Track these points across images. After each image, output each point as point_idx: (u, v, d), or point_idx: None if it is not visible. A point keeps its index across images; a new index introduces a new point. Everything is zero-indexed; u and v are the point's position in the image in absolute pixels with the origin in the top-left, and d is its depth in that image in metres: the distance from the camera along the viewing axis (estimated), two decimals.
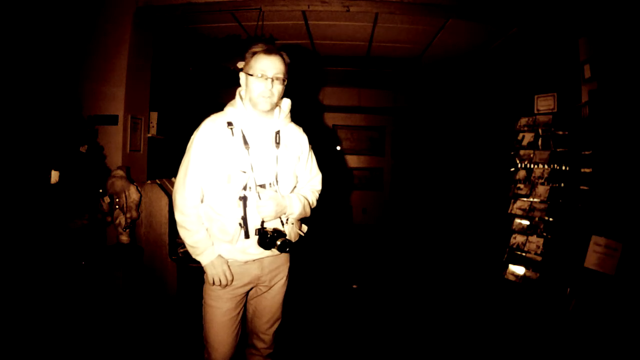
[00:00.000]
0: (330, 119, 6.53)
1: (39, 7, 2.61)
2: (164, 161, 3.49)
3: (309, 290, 3.46)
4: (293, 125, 1.59)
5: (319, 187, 1.69)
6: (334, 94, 6.38)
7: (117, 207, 2.71)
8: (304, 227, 1.65)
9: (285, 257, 1.61)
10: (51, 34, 2.74)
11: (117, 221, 2.75)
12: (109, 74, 3.05)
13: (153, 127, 3.54)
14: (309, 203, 1.59)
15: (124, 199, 2.69)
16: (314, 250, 4.19)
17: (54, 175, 2.36)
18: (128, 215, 2.71)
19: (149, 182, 2.83)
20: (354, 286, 3.69)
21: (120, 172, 2.77)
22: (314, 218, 1.68)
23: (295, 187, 1.58)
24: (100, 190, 2.69)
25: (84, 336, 2.26)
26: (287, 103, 1.54)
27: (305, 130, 1.65)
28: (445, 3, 3.01)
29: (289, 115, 1.55)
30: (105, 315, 2.48)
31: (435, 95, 6.06)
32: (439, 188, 5.97)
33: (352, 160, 6.63)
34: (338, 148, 6.59)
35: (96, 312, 2.44)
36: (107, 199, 2.69)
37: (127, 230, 2.77)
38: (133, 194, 2.71)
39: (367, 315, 3.05)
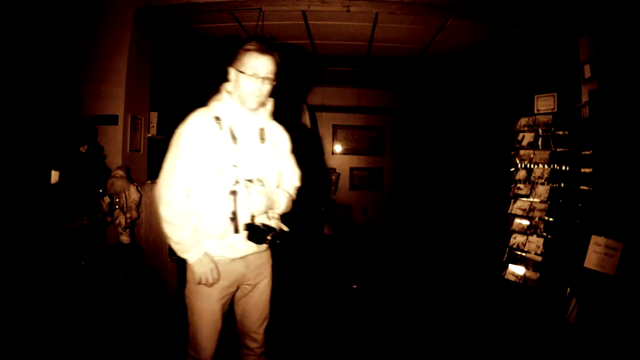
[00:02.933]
0: (330, 119, 6.52)
1: (39, 7, 2.61)
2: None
3: (309, 290, 3.46)
4: (275, 124, 1.63)
5: (298, 183, 1.72)
6: (334, 94, 6.38)
7: (117, 207, 2.71)
8: (284, 227, 1.65)
9: (267, 255, 1.63)
10: (51, 33, 2.74)
11: (117, 221, 2.75)
12: (109, 73, 3.05)
13: (153, 127, 3.54)
14: (291, 199, 1.63)
15: (124, 199, 2.69)
16: (314, 250, 4.19)
17: (54, 175, 2.36)
18: (128, 215, 2.71)
19: (149, 182, 2.83)
20: (354, 286, 3.69)
21: (120, 172, 2.77)
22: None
23: (278, 183, 1.60)
24: (100, 190, 2.69)
25: (84, 336, 2.26)
26: (271, 101, 1.57)
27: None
28: (445, 3, 3.01)
29: (272, 113, 1.58)
30: (105, 315, 2.48)
31: (435, 95, 6.05)
32: (439, 188, 5.96)
33: (352, 160, 6.62)
34: (338, 148, 6.59)
35: (96, 312, 2.44)
36: (107, 199, 2.69)
37: (127, 230, 2.77)
38: (133, 194, 2.71)
39: (367, 315, 3.05)
